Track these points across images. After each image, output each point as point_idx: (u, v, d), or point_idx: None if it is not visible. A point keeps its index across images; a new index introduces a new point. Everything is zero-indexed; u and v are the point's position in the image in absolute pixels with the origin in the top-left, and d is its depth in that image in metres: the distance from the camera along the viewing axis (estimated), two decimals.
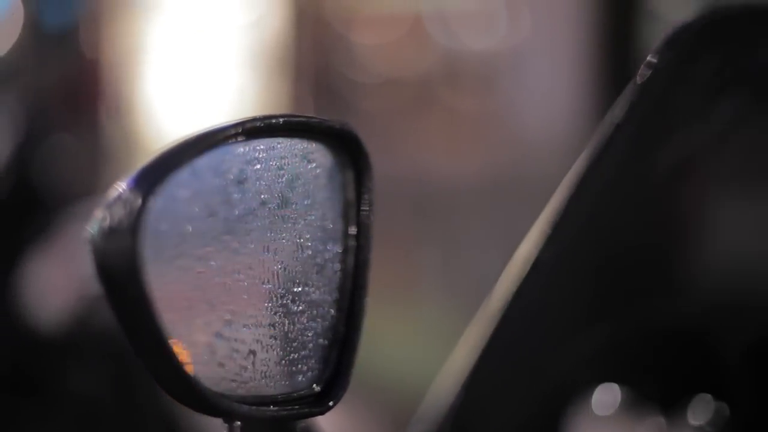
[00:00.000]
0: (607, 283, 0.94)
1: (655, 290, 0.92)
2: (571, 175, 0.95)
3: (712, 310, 0.89)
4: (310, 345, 1.05)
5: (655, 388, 0.90)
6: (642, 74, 0.92)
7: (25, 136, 4.47)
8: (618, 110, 0.93)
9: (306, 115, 1.02)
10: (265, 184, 1.01)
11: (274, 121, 0.99)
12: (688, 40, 0.97)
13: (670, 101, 0.90)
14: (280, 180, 1.02)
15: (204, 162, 0.94)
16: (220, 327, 0.99)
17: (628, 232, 0.95)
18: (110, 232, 0.85)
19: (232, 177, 0.98)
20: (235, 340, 1.00)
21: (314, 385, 1.03)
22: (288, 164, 1.02)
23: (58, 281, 3.83)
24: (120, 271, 0.85)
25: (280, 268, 1.03)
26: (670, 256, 0.93)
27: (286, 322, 1.04)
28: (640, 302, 0.94)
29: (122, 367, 3.69)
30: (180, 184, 0.92)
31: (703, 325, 0.89)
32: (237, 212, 0.99)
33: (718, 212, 0.92)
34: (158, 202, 0.89)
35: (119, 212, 0.85)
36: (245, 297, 1.02)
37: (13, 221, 4.40)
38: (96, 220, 0.86)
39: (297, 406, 1.00)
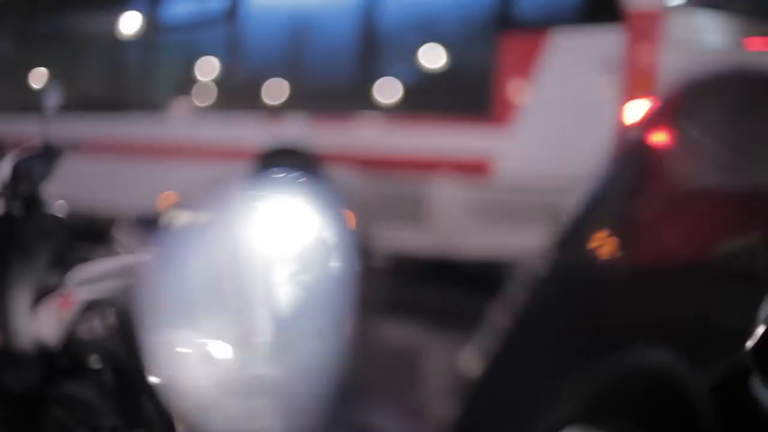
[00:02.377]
0: (585, 332, 0.97)
1: (627, 337, 0.94)
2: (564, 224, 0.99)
3: (680, 354, 0.91)
4: (295, 393, 1.09)
5: (628, 429, 0.93)
6: (625, 140, 0.97)
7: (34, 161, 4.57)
8: (606, 174, 0.97)
9: (288, 174, 1.07)
10: (254, 240, 1.06)
11: (261, 183, 1.04)
12: (674, 107, 1.00)
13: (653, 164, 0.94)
14: (271, 235, 1.07)
15: (199, 223, 0.99)
16: (213, 377, 1.04)
17: (606, 287, 0.97)
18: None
19: (225, 233, 1.03)
20: (229, 388, 1.05)
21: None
22: (275, 220, 1.07)
23: (53, 306, 3.91)
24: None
25: (271, 319, 1.08)
26: (639, 308, 0.96)
27: (272, 368, 1.08)
28: (614, 349, 0.96)
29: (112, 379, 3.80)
30: (177, 245, 0.97)
31: (673, 367, 0.91)
32: (228, 269, 1.04)
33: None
34: (158, 262, 0.94)
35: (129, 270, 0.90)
36: (235, 347, 1.06)
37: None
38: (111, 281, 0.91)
39: None
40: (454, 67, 9.31)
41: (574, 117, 8.13)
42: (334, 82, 10.18)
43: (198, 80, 11.40)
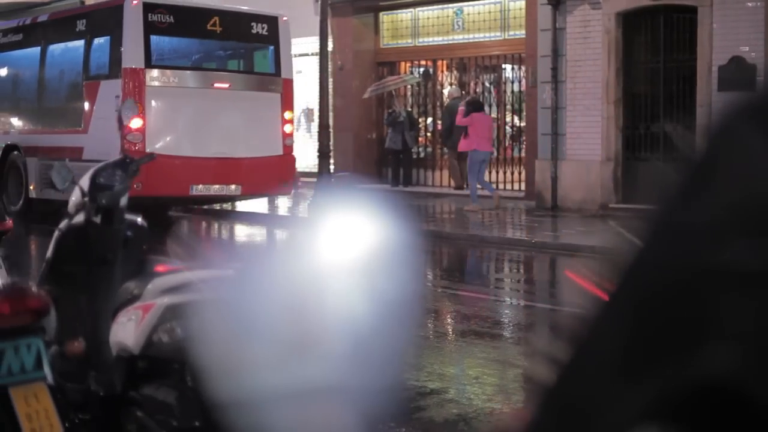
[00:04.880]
0: (652, 341, 0.99)
1: (694, 348, 0.95)
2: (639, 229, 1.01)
3: (751, 365, 0.92)
4: (362, 401, 1.19)
5: None
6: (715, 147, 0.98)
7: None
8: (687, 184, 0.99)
9: None
10: (323, 255, 1.17)
11: None
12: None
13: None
14: (337, 249, 1.18)
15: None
16: (281, 385, 1.14)
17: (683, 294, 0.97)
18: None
19: None
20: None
21: None
22: (341, 234, 1.18)
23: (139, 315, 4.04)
24: None
25: (339, 331, 1.18)
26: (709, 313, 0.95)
27: (339, 378, 1.19)
28: (681, 359, 0.96)
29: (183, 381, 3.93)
30: (253, 261, 1.08)
31: (742, 380, 0.92)
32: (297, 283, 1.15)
33: None
34: (235, 276, 1.05)
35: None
36: (303, 358, 1.17)
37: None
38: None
39: None
40: (70, 102, 18.59)
41: (108, 123, 16.57)
42: (27, 110, 20.17)
43: None
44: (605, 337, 1.01)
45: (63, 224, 4.85)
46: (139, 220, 5.01)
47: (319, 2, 19.40)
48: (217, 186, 17.10)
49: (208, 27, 17.64)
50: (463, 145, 18.88)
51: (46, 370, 3.66)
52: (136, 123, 16.04)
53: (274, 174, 17.49)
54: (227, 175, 17.09)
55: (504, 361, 7.93)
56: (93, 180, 4.84)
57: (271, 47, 18.35)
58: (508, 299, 11.40)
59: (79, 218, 4.79)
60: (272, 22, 18.27)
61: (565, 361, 1.03)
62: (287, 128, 18.06)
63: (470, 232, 16.17)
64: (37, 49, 19.49)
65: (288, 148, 18.07)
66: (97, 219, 4.75)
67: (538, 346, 8.39)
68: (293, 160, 18.42)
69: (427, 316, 9.08)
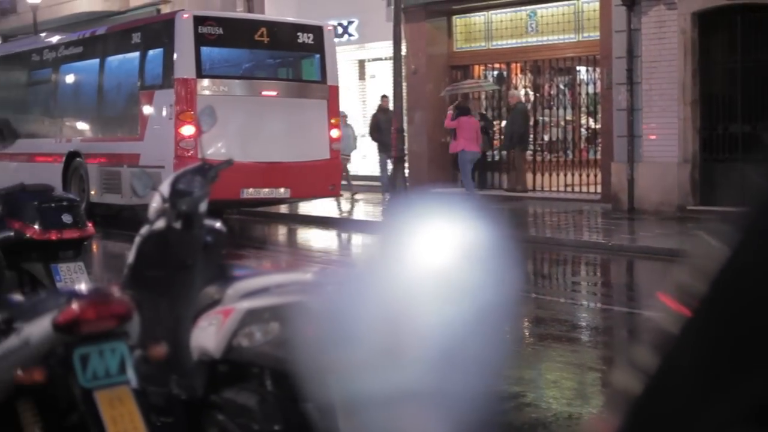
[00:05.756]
0: (741, 348, 0.98)
1: None
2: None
3: None
4: (454, 405, 1.20)
5: None
6: None
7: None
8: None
9: None
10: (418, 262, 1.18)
11: None
12: None
13: None
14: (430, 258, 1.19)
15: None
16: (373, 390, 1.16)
17: None
18: None
19: None
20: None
21: None
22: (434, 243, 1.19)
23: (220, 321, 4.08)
24: None
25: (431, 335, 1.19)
26: None
27: (432, 382, 1.20)
28: None
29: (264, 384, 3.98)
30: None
31: None
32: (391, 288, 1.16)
33: None
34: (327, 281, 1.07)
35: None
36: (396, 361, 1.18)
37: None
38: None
39: None
40: (126, 111, 19.39)
41: (162, 131, 17.62)
42: (87, 119, 20.98)
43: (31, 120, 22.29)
44: (693, 345, 1.00)
45: (144, 230, 4.92)
46: (218, 225, 5.07)
47: (392, 7, 19.45)
48: (266, 189, 17.94)
49: (256, 38, 18.44)
50: (452, 147, 20.73)
51: (130, 374, 3.71)
52: (188, 130, 16.92)
53: (321, 177, 18.28)
54: (276, 178, 17.90)
55: (582, 364, 7.88)
56: (173, 186, 4.90)
57: (317, 55, 19.13)
58: (586, 302, 11.32)
59: (160, 224, 4.85)
60: (317, 31, 18.99)
61: (653, 370, 1.03)
62: (333, 133, 18.82)
63: (547, 235, 16.10)
64: (95, 61, 20.49)
65: (335, 153, 18.87)
66: (177, 224, 4.81)
67: (622, 355, 8.33)
68: (340, 163, 19.40)
69: (506, 319, 9.03)
